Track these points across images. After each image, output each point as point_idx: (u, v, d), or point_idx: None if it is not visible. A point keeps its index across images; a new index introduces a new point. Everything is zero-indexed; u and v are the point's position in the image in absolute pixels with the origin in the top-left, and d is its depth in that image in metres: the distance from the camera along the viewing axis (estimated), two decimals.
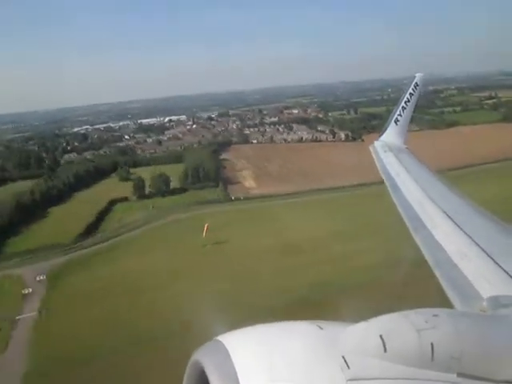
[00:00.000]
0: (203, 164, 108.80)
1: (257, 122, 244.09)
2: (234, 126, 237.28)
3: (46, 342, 43.86)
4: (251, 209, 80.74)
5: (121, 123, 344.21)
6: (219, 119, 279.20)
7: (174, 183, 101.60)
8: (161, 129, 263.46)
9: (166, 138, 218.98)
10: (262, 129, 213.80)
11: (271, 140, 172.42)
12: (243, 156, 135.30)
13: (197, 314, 24.96)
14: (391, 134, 14.12)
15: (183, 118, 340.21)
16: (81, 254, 66.97)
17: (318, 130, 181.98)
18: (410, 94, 14.14)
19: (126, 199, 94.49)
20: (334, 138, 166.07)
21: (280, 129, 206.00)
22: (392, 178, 11.02)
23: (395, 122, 14.20)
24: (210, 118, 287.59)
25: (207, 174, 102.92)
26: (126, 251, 65.98)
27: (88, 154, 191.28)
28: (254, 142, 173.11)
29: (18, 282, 59.05)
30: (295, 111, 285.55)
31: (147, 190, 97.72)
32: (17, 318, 50.26)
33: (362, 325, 3.17)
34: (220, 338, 3.05)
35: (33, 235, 76.05)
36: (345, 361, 2.90)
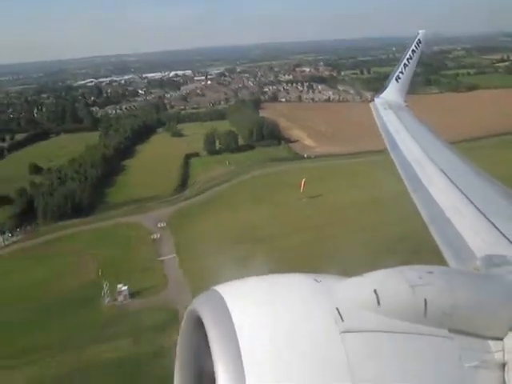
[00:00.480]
0: (251, 122, 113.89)
1: (271, 79, 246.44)
2: (251, 83, 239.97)
3: (195, 274, 49.73)
4: (327, 166, 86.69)
5: (125, 77, 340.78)
6: (232, 75, 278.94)
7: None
8: (173, 84, 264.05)
9: (184, 94, 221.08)
10: (279, 87, 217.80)
11: (299, 99, 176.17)
12: (281, 115, 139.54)
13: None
14: (392, 92, 14.28)
15: (188, 72, 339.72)
16: (184, 204, 73.49)
17: (342, 90, 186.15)
18: (413, 51, 14.28)
19: (197, 155, 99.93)
20: (361, 98, 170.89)
21: (299, 87, 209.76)
22: (391, 136, 11.22)
23: (396, 80, 14.33)
24: (223, 75, 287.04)
25: (271, 131, 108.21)
26: (227, 203, 72.51)
27: (110, 109, 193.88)
28: (283, 100, 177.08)
29: (141, 228, 65.61)
30: (307, 69, 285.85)
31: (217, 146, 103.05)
32: (159, 259, 57.24)
33: (356, 279, 3.31)
34: (217, 287, 3.16)
35: (124, 187, 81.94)
36: (339, 313, 2.99)
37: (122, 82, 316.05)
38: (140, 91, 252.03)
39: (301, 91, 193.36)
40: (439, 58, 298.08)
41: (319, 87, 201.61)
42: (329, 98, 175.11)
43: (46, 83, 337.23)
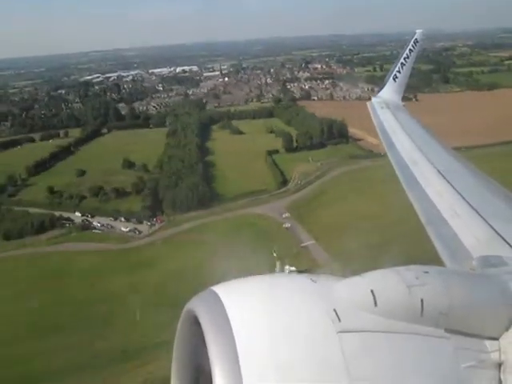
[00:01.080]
0: (318, 121, 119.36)
1: (288, 76, 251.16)
2: (269, 80, 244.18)
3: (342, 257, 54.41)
4: None
5: (131, 72, 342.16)
6: (246, 72, 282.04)
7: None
8: (187, 80, 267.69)
9: (206, 91, 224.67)
10: (299, 84, 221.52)
11: (331, 97, 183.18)
12: (328, 113, 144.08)
13: None
14: (389, 91, 14.42)
15: (195, 68, 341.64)
16: (296, 197, 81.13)
17: (369, 89, 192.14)
18: (410, 50, 14.43)
19: (277, 151, 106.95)
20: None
21: (321, 85, 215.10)
22: (388, 135, 11.33)
23: (393, 79, 14.48)
24: (238, 71, 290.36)
25: (339, 130, 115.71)
26: (334, 196, 79.92)
27: (138, 105, 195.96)
28: (315, 98, 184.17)
29: (269, 219, 73.15)
30: (318, 66, 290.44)
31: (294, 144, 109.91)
32: (302, 245, 64.98)
33: (353, 279, 3.35)
34: (214, 287, 3.18)
35: (224, 182, 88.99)
36: (336, 313, 3.01)
37: (130, 77, 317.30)
38: (157, 87, 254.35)
39: (327, 89, 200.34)
40: (445, 55, 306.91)
41: (341, 85, 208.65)
42: (359, 96, 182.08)
43: (52, 78, 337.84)
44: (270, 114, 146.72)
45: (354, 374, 2.85)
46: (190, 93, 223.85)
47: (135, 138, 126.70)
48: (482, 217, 6.61)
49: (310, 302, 3.07)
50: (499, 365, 3.30)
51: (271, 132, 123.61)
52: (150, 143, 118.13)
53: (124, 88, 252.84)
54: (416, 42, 14.42)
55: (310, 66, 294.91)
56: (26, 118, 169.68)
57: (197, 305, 3.05)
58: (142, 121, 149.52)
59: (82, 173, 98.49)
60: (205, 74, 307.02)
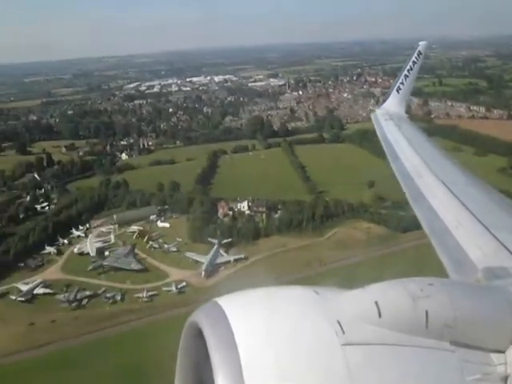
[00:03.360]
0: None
1: (362, 89, 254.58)
2: (346, 95, 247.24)
3: None
4: None
5: (170, 81, 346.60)
6: (317, 85, 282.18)
7: None
8: (255, 92, 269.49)
9: (292, 105, 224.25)
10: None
11: (447, 115, 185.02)
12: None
13: None
14: (393, 103, 14.87)
15: (234, 78, 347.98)
16: None
17: (471, 106, 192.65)
18: (413, 62, 14.95)
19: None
20: (496, 114, 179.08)
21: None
22: (392, 147, 11.63)
23: (397, 91, 14.94)
24: (301, 83, 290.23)
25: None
26: None
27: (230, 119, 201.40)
28: (434, 116, 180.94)
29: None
30: (371, 79, 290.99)
31: None
32: None
33: (357, 291, 3.40)
34: (218, 300, 3.22)
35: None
36: (340, 326, 3.05)
37: (174, 86, 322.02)
38: (229, 98, 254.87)
39: (424, 105, 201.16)
40: (475, 67, 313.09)
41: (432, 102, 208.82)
42: (459, 114, 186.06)
43: (90, 86, 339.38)
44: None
45: None
46: (281, 106, 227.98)
47: (342, 153, 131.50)
48: (486, 228, 6.65)
49: (313, 314, 3.16)
50: (505, 378, 3.34)
51: None
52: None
53: (202, 99, 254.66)
54: (419, 53, 14.97)
55: (362, 78, 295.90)
56: (176, 129, 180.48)
57: (200, 317, 3.14)
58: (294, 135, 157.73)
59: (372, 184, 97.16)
60: (249, 85, 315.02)
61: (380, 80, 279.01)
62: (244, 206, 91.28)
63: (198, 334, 3.07)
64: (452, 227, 7.04)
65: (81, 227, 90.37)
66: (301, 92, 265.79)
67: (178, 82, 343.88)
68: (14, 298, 66.89)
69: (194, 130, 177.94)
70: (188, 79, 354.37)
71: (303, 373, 2.87)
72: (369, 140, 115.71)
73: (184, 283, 68.96)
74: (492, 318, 3.55)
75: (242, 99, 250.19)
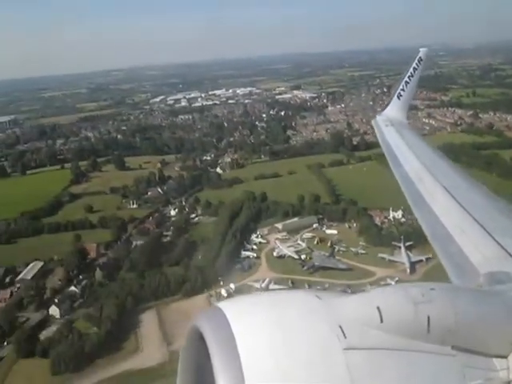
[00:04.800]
0: None
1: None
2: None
3: None
4: None
5: (193, 95, 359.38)
6: (353, 97, 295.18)
7: None
8: (303, 107, 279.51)
9: (333, 120, 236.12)
10: (424, 111, 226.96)
11: (508, 128, 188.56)
12: None
13: None
14: (394, 109, 15.81)
15: (247, 91, 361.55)
16: None
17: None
18: (414, 68, 15.79)
19: None
20: None
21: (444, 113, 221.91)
22: (393, 152, 12.29)
23: (398, 97, 15.92)
24: (340, 97, 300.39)
25: None
26: None
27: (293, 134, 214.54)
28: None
29: None
30: None
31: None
32: None
33: (359, 295, 3.58)
34: (220, 305, 3.37)
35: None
36: (342, 330, 3.17)
37: (200, 100, 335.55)
38: (271, 112, 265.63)
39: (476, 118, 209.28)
40: (495, 76, 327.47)
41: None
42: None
43: (114, 99, 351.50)
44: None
45: None
46: (332, 120, 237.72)
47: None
48: (488, 233, 6.91)
49: (315, 319, 3.27)
50: (508, 383, 3.49)
51: None
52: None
53: (248, 113, 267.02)
54: (420, 60, 15.99)
55: (392, 89, 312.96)
56: (248, 143, 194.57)
57: (202, 321, 3.29)
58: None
59: None
60: (277, 97, 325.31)
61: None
62: (398, 215, 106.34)
63: (200, 339, 3.25)
64: (454, 232, 7.41)
65: (254, 235, 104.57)
66: (343, 105, 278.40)
67: (202, 95, 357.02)
68: None
69: (267, 144, 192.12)
70: (211, 92, 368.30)
71: (304, 377, 2.98)
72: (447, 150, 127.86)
73: (397, 278, 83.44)
74: (494, 323, 3.76)
75: (285, 113, 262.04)
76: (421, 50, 16.75)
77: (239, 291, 79.80)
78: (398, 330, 3.34)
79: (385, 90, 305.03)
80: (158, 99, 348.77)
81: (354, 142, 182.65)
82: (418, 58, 16.28)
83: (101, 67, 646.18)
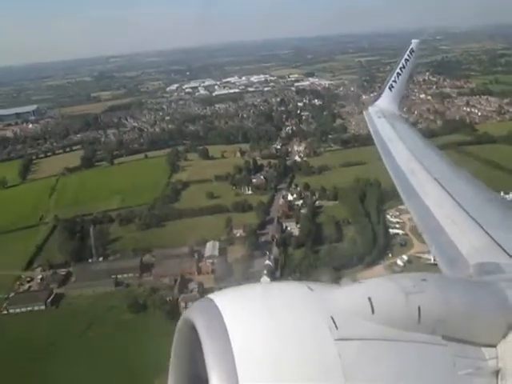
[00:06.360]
0: None
1: (433, 90, 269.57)
2: (424, 96, 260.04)
3: None
4: None
5: (207, 83, 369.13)
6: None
7: None
8: (332, 94, 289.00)
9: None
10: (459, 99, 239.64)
11: None
12: None
13: None
14: (385, 101, 16.62)
15: (263, 78, 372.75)
16: None
17: None
18: (406, 60, 16.57)
19: None
20: None
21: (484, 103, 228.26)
22: (385, 144, 12.97)
23: (390, 89, 16.71)
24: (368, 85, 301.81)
25: None
26: None
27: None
28: None
29: None
30: (421, 78, 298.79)
31: None
32: None
33: (351, 286, 3.74)
34: (211, 296, 3.50)
35: None
36: (333, 321, 3.32)
37: (217, 88, 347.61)
38: (313, 101, 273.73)
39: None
40: (509, 62, 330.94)
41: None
42: None
43: (126, 87, 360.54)
44: None
45: (351, 381, 3.14)
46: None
47: None
48: (479, 224, 7.33)
49: (307, 310, 3.43)
50: (497, 372, 3.68)
51: None
52: None
53: (284, 101, 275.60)
54: (412, 51, 16.65)
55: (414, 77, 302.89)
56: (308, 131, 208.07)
57: (194, 313, 3.41)
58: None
59: None
60: (295, 84, 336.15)
61: (433, 79, 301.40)
62: None
63: (192, 331, 3.37)
64: (445, 224, 7.87)
65: (387, 216, 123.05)
66: (375, 93, 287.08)
67: (218, 83, 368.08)
68: None
69: (328, 133, 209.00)
70: (224, 80, 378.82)
71: (297, 368, 3.12)
72: None
73: None
74: (483, 313, 3.95)
75: (320, 101, 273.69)
76: (413, 41, 17.42)
77: (411, 262, 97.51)
78: (390, 321, 3.55)
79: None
80: (173, 87, 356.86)
81: (420, 129, 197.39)
82: (409, 49, 17.06)
83: (97, 53, 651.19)
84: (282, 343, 3.19)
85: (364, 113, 17.12)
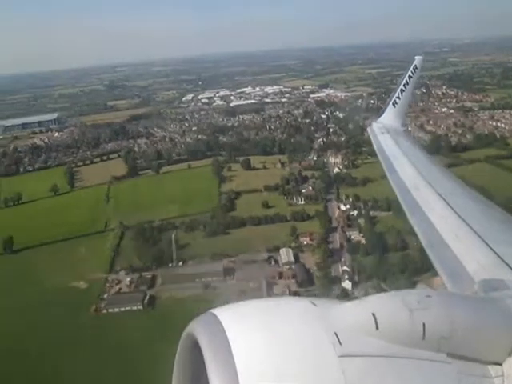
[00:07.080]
0: None
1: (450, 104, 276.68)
2: (446, 110, 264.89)
3: None
4: None
5: (222, 93, 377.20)
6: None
7: None
8: (353, 107, 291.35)
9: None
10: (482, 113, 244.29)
11: None
12: None
13: None
14: (389, 117, 17.13)
15: (277, 89, 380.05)
16: None
17: None
18: (409, 76, 17.00)
19: None
20: None
21: None
22: (389, 160, 13.22)
23: (393, 105, 17.16)
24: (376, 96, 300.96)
25: None
26: None
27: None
28: None
29: None
30: (439, 92, 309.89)
31: None
32: None
33: (355, 302, 3.77)
34: (214, 311, 3.56)
35: None
36: (337, 337, 3.36)
37: (233, 98, 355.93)
38: (326, 113, 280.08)
39: None
40: None
41: None
42: None
43: (143, 99, 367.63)
44: None
45: None
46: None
47: None
48: (483, 241, 7.45)
49: (310, 326, 3.48)
50: None
51: None
52: None
53: (308, 113, 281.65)
54: (415, 68, 17.18)
55: (432, 91, 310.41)
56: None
57: (197, 328, 3.49)
58: None
59: None
60: (311, 96, 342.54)
61: (451, 92, 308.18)
62: None
63: (195, 346, 3.44)
64: (449, 240, 8.03)
65: None
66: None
67: (232, 93, 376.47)
68: None
69: (361, 146, 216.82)
70: (238, 90, 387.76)
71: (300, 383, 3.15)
72: None
73: None
74: (489, 330, 3.99)
75: (340, 113, 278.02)
76: (416, 57, 17.80)
77: None
78: (394, 337, 3.60)
79: (424, 90, 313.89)
80: (189, 97, 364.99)
81: (453, 143, 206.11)
82: (413, 65, 17.46)
83: (101, 62, 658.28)
84: (285, 359, 3.27)
85: (368, 129, 17.75)
